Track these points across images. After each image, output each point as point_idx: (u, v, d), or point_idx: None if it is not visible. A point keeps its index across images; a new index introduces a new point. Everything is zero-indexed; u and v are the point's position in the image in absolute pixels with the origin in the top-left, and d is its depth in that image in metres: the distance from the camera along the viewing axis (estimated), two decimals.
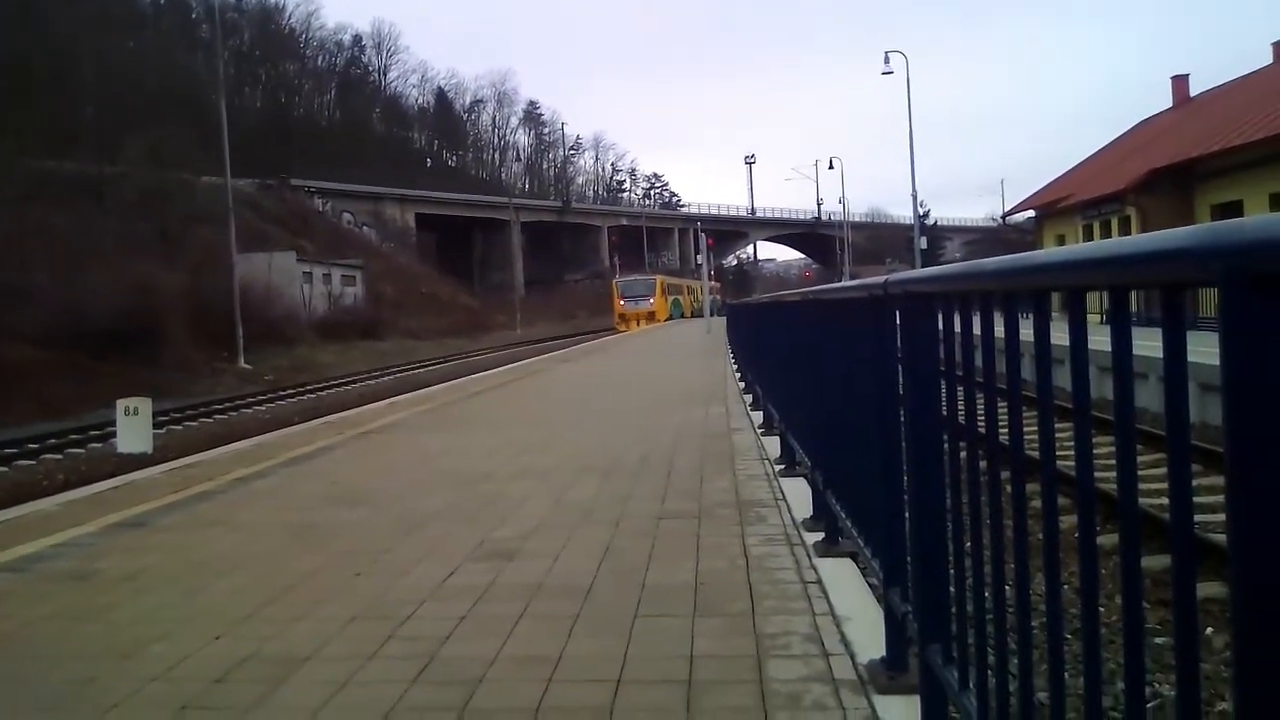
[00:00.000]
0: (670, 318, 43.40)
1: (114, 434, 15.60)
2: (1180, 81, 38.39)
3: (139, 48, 53.83)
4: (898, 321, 2.72)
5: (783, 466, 6.29)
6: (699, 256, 47.38)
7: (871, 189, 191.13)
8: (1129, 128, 41.36)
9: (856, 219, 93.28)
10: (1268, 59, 33.61)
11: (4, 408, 21.31)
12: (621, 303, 48.21)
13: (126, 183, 35.31)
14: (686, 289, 54.34)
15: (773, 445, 7.14)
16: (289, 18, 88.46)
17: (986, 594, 1.99)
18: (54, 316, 25.86)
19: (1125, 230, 30.15)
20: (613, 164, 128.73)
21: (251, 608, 3.77)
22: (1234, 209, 25.86)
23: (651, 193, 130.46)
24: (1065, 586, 1.93)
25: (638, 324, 41.67)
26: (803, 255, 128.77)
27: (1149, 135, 36.23)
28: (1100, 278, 1.38)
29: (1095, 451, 1.54)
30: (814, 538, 4.39)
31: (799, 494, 5.34)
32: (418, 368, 35.57)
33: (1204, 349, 1.40)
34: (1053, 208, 36.79)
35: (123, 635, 3.51)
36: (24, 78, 28.71)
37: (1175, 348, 1.21)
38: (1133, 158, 32.80)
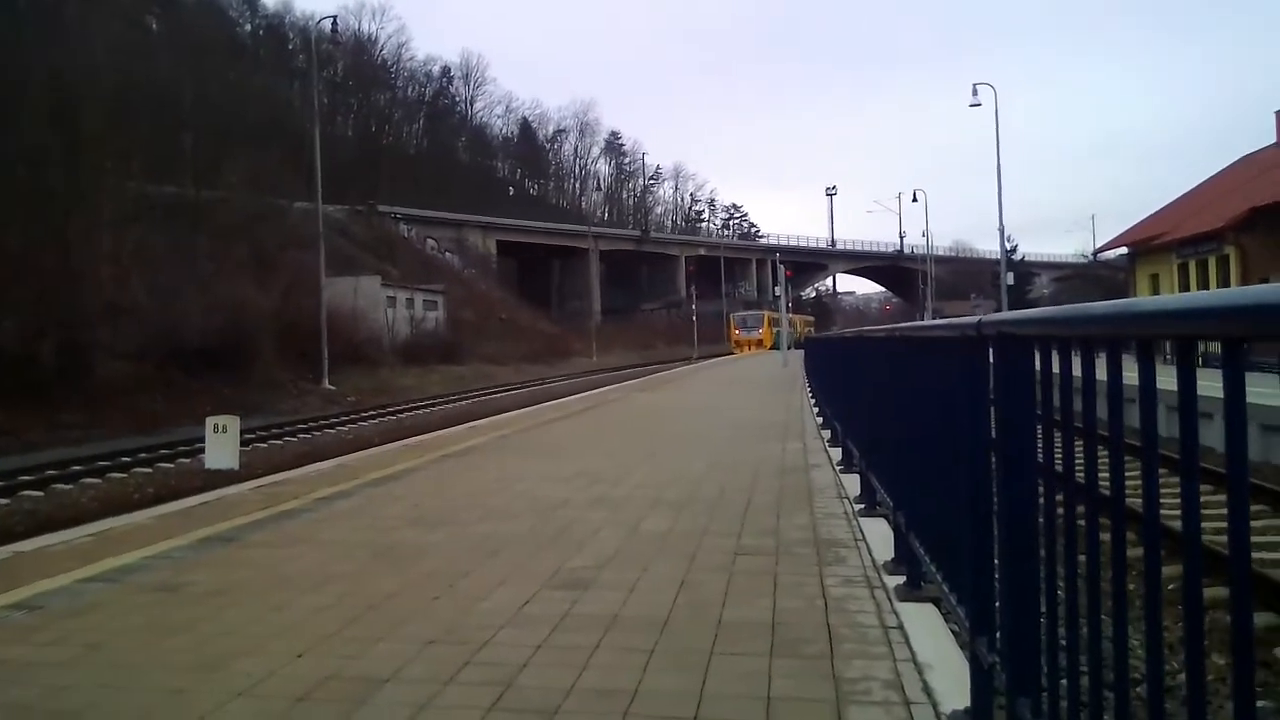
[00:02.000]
0: (774, 346, 46.23)
1: (203, 450, 16.05)
2: None
3: (238, 76, 55.86)
4: (991, 362, 2.67)
5: (862, 506, 6.19)
6: (777, 288, 47.41)
7: (956, 222, 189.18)
8: (1229, 163, 40.12)
9: (940, 253, 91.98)
10: None
11: (99, 420, 22.16)
12: (736, 332, 56.54)
13: (223, 207, 36.57)
14: (794, 322, 60.61)
15: (852, 483, 7.04)
16: (381, 49, 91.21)
17: (1082, 647, 1.93)
18: (149, 334, 26.83)
19: (1224, 270, 29.21)
20: (691, 194, 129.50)
21: (334, 626, 3.83)
22: None
23: (730, 223, 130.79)
24: (1165, 642, 1.86)
25: (749, 349, 45.59)
26: (883, 288, 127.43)
27: (1251, 172, 35.07)
28: (1216, 329, 1.34)
29: (1203, 502, 1.48)
30: (895, 581, 4.30)
31: (879, 535, 5.25)
32: (496, 393, 36.00)
33: None
34: (1147, 245, 35.84)
35: (210, 649, 3.60)
36: (128, 104, 29.99)
37: None
38: (1233, 195, 31.78)
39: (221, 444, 15.30)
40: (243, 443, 16.55)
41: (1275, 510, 8.45)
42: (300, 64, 68.57)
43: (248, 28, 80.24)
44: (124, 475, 16.01)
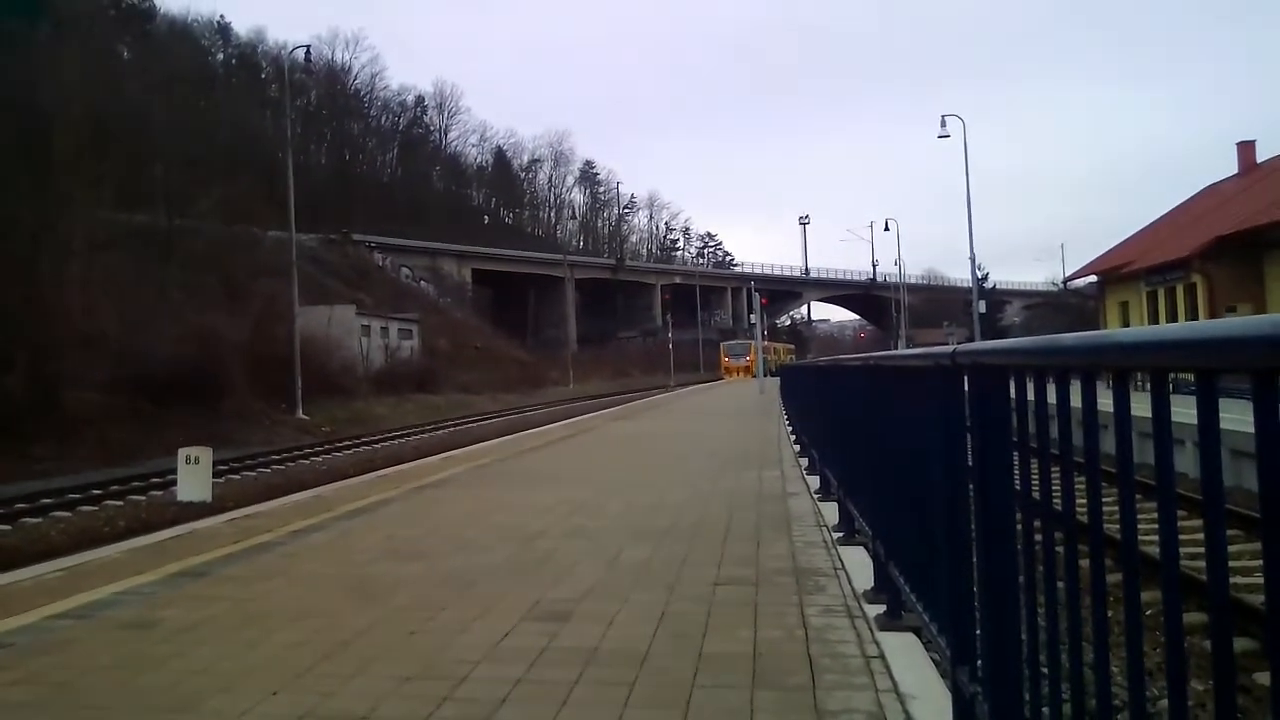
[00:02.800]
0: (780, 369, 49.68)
1: (174, 482, 15.86)
2: (1246, 147, 37.87)
3: (210, 105, 55.77)
4: (966, 392, 2.69)
5: (841, 534, 6.20)
6: (752, 316, 47.81)
7: (928, 251, 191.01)
8: (1193, 193, 40.82)
9: (913, 281, 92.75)
10: None
11: (69, 453, 21.84)
12: (727, 359, 63.61)
13: (195, 236, 36.36)
14: (772, 349, 67.16)
15: (830, 511, 7.05)
16: (355, 78, 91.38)
17: (1063, 677, 1.94)
18: (120, 365, 26.53)
19: (1191, 298, 29.63)
20: (666, 223, 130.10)
21: (309, 663, 3.78)
22: None
23: (705, 252, 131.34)
24: (1146, 670, 1.87)
25: (738, 374, 50.11)
26: (857, 316, 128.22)
27: (1215, 201, 35.70)
28: (1187, 359, 1.36)
29: (1180, 528, 1.50)
30: (875, 610, 4.30)
31: (859, 563, 5.25)
32: (471, 422, 35.83)
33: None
34: (1115, 273, 36.32)
35: (183, 687, 3.54)
36: (98, 132, 29.82)
37: (1267, 435, 1.18)
38: (1198, 224, 32.32)
39: (193, 476, 15.12)
40: (215, 474, 16.36)
41: (1248, 535, 8.52)
42: (273, 93, 68.54)
43: (220, 56, 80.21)
44: (94, 508, 15.78)
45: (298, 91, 68.93)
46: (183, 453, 15.49)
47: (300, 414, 32.91)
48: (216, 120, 51.70)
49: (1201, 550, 1.36)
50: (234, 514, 8.59)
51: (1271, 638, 1.16)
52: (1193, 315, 29.40)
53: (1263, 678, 5.08)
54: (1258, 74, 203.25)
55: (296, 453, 24.45)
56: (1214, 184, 39.75)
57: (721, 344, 75.37)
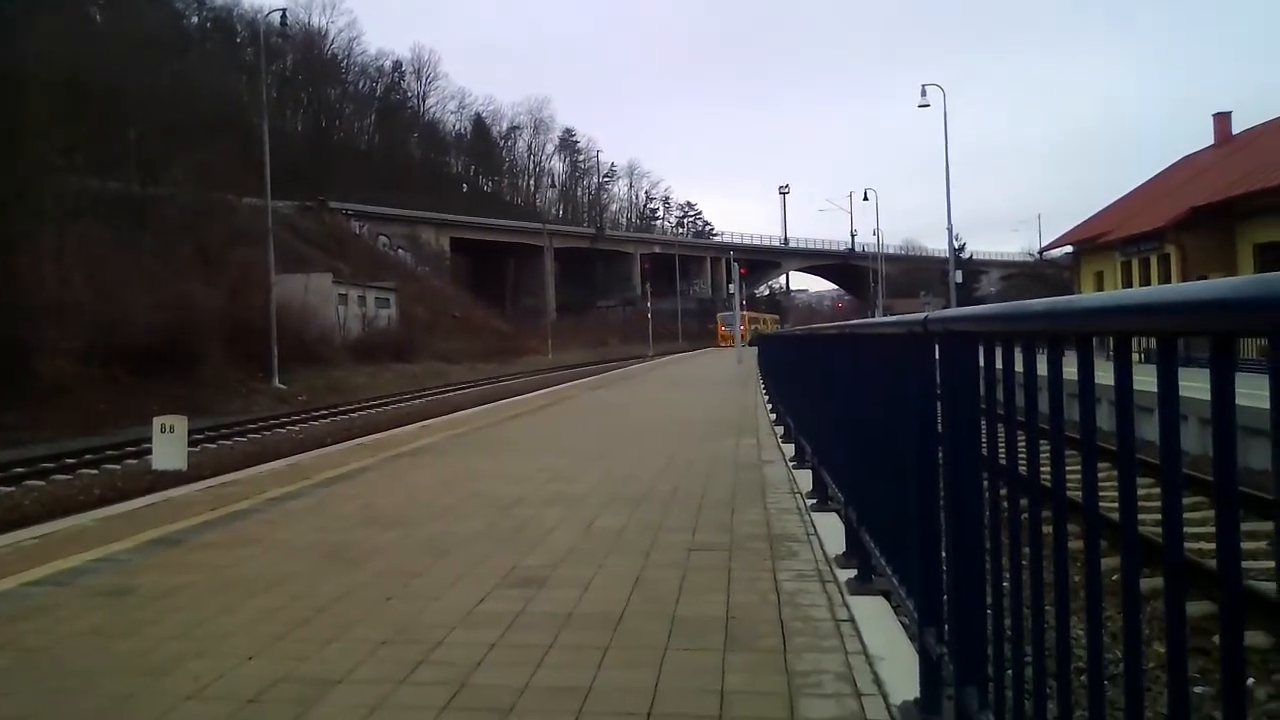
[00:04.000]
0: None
1: (149, 450, 15.77)
2: (1222, 119, 38.06)
3: (184, 69, 54.89)
4: (937, 358, 2.72)
5: (815, 501, 6.26)
6: (731, 285, 47.89)
7: (906, 221, 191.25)
8: (1169, 164, 41.03)
9: (890, 251, 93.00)
10: None
11: (43, 421, 21.65)
12: (723, 328, 67.37)
13: (170, 203, 35.91)
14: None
15: (805, 478, 7.11)
16: (332, 43, 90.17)
17: (1025, 636, 1.98)
18: (94, 333, 26.27)
19: (1165, 268, 29.86)
20: (646, 192, 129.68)
21: (285, 628, 3.80)
22: (1277, 249, 25.55)
23: (685, 221, 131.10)
24: (1105, 631, 1.91)
25: (731, 342, 53.87)
26: (836, 286, 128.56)
27: (1190, 172, 35.90)
28: (1148, 324, 1.38)
29: (1139, 494, 1.53)
30: (846, 574, 4.36)
31: (831, 529, 5.31)
32: (449, 391, 35.75)
33: (1248, 390, 1.40)
34: (1091, 244, 36.53)
35: (159, 652, 3.55)
36: (70, 97, 29.28)
37: (1223, 396, 1.20)
38: (1173, 195, 32.51)
39: (169, 444, 15.04)
40: (191, 443, 16.27)
41: (1210, 501, 8.66)
42: (249, 57, 67.40)
43: (195, 20, 78.87)
44: (69, 477, 15.67)
45: (274, 56, 67.96)
46: (158, 421, 15.39)
47: (277, 383, 32.74)
48: (191, 85, 50.87)
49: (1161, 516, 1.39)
50: (210, 482, 8.57)
51: (1225, 598, 1.20)
52: (1165, 284, 29.64)
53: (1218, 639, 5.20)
54: (1234, 46, 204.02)
55: (273, 421, 24.34)
56: (1189, 155, 39.96)
57: (718, 315, 78.54)
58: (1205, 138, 39.10)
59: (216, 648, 3.58)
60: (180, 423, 15.41)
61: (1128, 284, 33.05)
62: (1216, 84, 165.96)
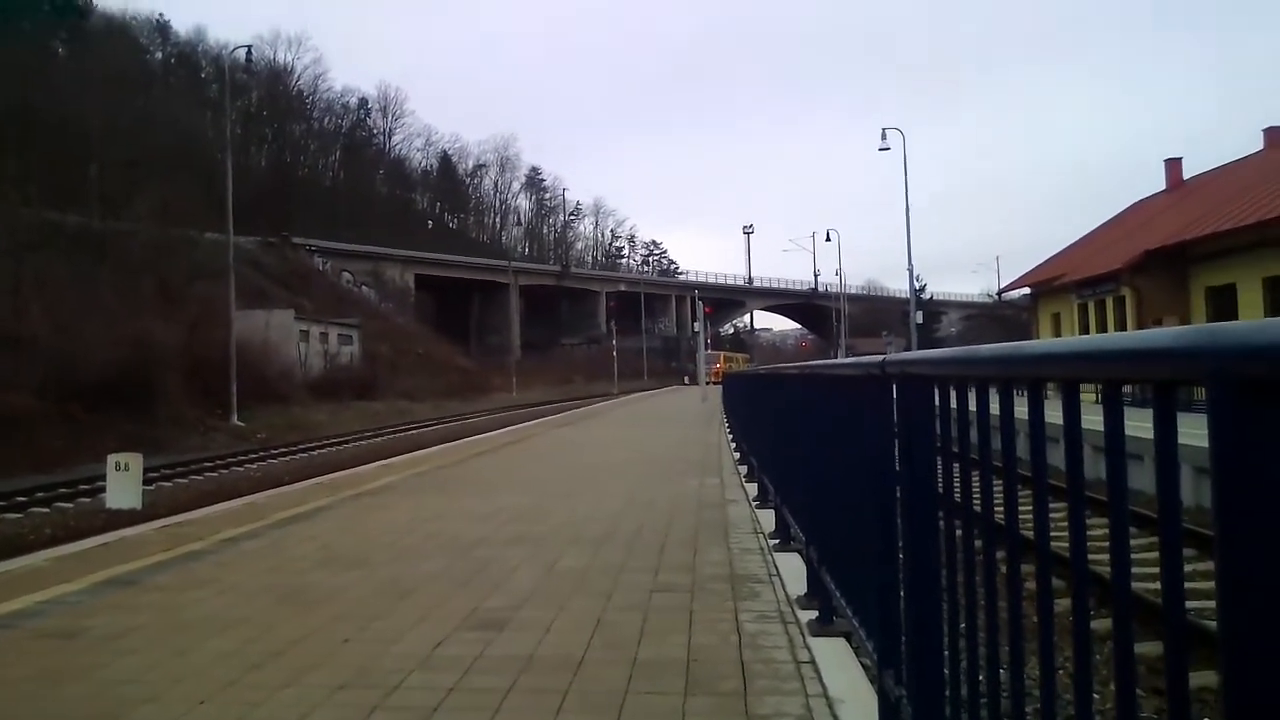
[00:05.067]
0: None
1: (104, 489, 15.47)
2: (1174, 164, 39.02)
3: (147, 104, 54.59)
4: (895, 400, 2.75)
5: (777, 540, 6.26)
6: (696, 324, 48.18)
7: (868, 261, 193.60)
8: (1123, 209, 41.93)
9: (853, 291, 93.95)
10: (1259, 144, 34.25)
11: None
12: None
13: (131, 237, 35.54)
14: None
15: (768, 518, 7.12)
16: (297, 79, 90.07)
17: (981, 679, 1.99)
18: (48, 368, 25.83)
19: (1120, 310, 30.40)
20: (612, 230, 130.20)
21: (239, 672, 3.73)
22: (1228, 292, 26.12)
23: (650, 260, 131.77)
24: (1060, 671, 1.93)
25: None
26: (799, 325, 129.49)
27: (1143, 216, 36.71)
28: (1094, 371, 1.41)
29: (1090, 534, 1.56)
30: (808, 615, 4.36)
31: (793, 570, 5.32)
32: (412, 429, 35.46)
33: (1198, 431, 1.43)
34: (1048, 285, 37.13)
35: (108, 697, 3.47)
36: (28, 129, 28.97)
37: (1166, 443, 1.23)
38: (1128, 239, 33.20)
39: (123, 483, 14.76)
40: (146, 481, 16.00)
41: (1154, 536, 8.76)
42: (213, 93, 67.30)
43: (159, 55, 78.65)
44: (19, 515, 15.33)
45: (238, 92, 67.76)
46: (112, 459, 15.12)
47: (236, 420, 32.32)
48: (154, 120, 50.59)
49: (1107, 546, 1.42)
50: (165, 521, 8.41)
51: (1170, 636, 1.22)
52: (1122, 327, 30.17)
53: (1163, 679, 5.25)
54: (1186, 94, 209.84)
55: (231, 460, 23.98)
56: (1143, 199, 40.89)
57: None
58: (1158, 183, 40.08)
59: (168, 692, 3.51)
60: (135, 460, 15.14)
61: (1084, 325, 33.60)
62: (1169, 130, 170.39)
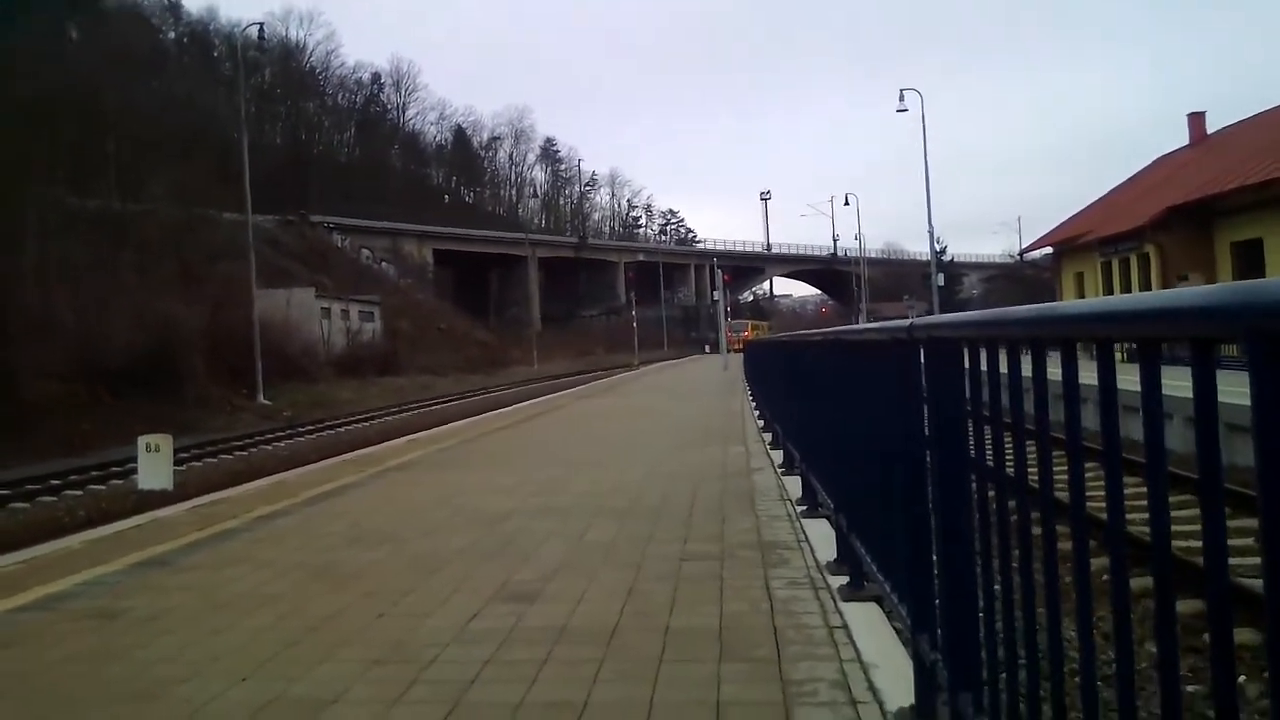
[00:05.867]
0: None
1: (135, 470, 15.66)
2: (1197, 118, 38.40)
3: (162, 84, 54.69)
4: (923, 364, 2.73)
5: (805, 507, 6.27)
6: (715, 292, 48.10)
7: (887, 225, 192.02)
8: (1146, 165, 41.36)
9: (873, 255, 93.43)
10: None
11: (26, 443, 21.48)
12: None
13: (149, 219, 35.71)
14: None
15: (794, 485, 7.12)
16: (309, 56, 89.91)
17: (1018, 640, 1.99)
18: (76, 353, 26.09)
19: (1144, 267, 30.06)
20: (629, 200, 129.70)
21: (276, 649, 3.78)
22: (1254, 247, 25.76)
23: (667, 229, 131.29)
24: (1097, 631, 1.92)
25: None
26: (819, 291, 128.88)
27: (1166, 172, 36.20)
28: (1129, 331, 1.40)
29: (1125, 494, 1.54)
30: (838, 581, 4.36)
31: (822, 536, 5.32)
32: (435, 404, 35.66)
33: (1233, 389, 1.42)
34: (1071, 244, 36.76)
35: (148, 676, 3.52)
36: (47, 113, 29.05)
37: (1205, 400, 1.21)
38: (1151, 195, 32.76)
39: (154, 464, 14.94)
40: (176, 462, 16.18)
41: (1195, 498, 8.72)
42: (226, 71, 67.27)
43: (171, 35, 78.63)
44: (54, 499, 15.55)
45: (252, 70, 67.79)
46: (142, 440, 15.29)
47: (261, 399, 32.58)
48: (169, 101, 50.69)
49: (1148, 515, 1.40)
50: (196, 501, 8.51)
51: (1212, 595, 1.21)
52: (1146, 285, 29.87)
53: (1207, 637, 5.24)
54: (1209, 47, 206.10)
55: (258, 438, 24.22)
56: (1166, 155, 40.31)
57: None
58: (1181, 138, 39.49)
59: (207, 670, 3.56)
60: (165, 442, 15.31)
61: (1108, 284, 33.29)
62: (1192, 84, 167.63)
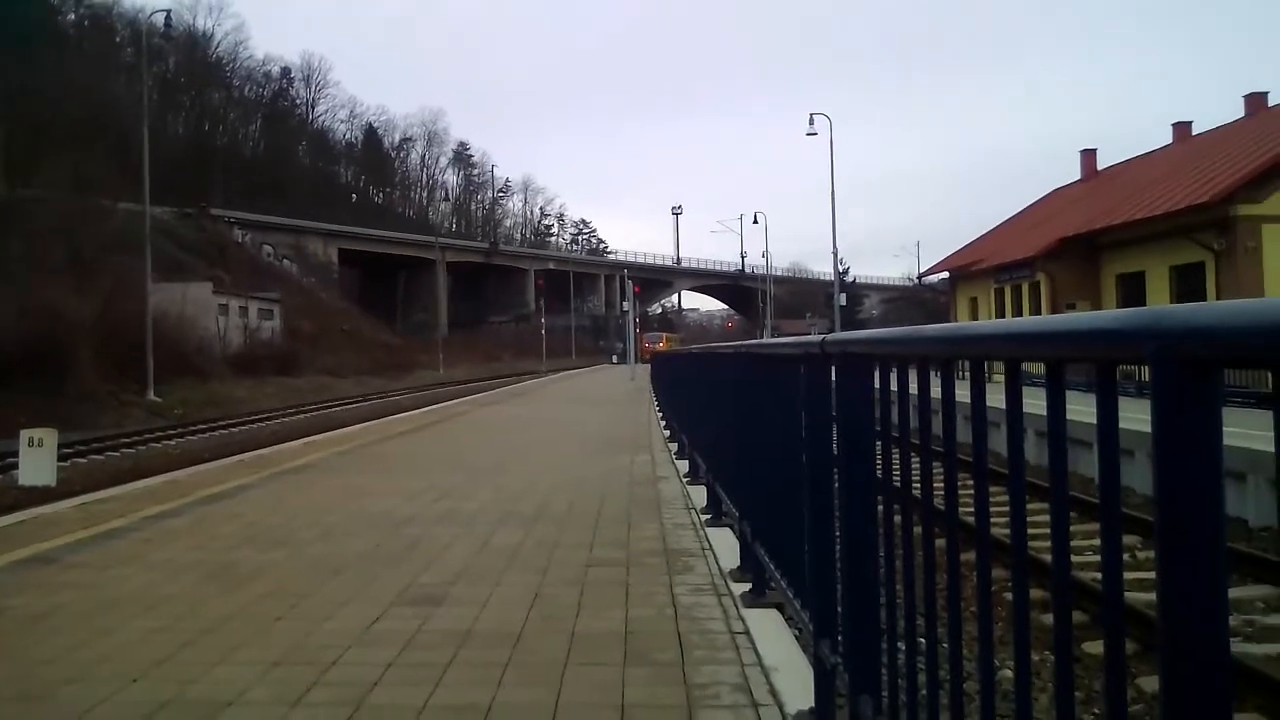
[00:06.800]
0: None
1: (15, 465, 14.97)
2: (1089, 155, 40.16)
3: (59, 68, 52.47)
4: (833, 380, 2.81)
5: (709, 516, 6.35)
6: (625, 303, 48.28)
7: (794, 244, 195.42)
8: (1040, 196, 43.02)
9: (779, 273, 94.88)
10: (1168, 138, 35.41)
11: None
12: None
13: (39, 207, 34.20)
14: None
15: (699, 494, 7.20)
16: (217, 46, 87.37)
17: (919, 645, 2.06)
18: None
19: (1035, 295, 31.23)
20: (541, 208, 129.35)
21: (169, 650, 3.67)
22: (1137, 279, 27.04)
23: (579, 238, 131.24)
24: (995, 640, 2.00)
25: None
26: (726, 306, 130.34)
27: (1059, 205, 37.73)
28: (1039, 351, 1.47)
29: (1030, 516, 1.62)
30: (741, 588, 4.44)
31: (726, 544, 5.40)
32: (335, 406, 34.90)
33: (1142, 416, 1.50)
34: (966, 270, 37.97)
35: (33, 677, 3.39)
36: None
37: (1108, 419, 1.29)
38: (1043, 226, 34.11)
39: (37, 459, 14.29)
40: (59, 458, 15.50)
41: (1083, 517, 9.08)
42: (129, 58, 64.93)
43: (71, 17, 75.55)
44: None
45: (155, 57, 65.52)
46: (25, 434, 14.62)
47: (152, 395, 31.42)
48: (66, 85, 48.62)
49: (1047, 532, 1.48)
50: (82, 499, 8.19)
51: (1107, 615, 1.28)
52: (1036, 311, 31.01)
53: (1091, 648, 5.47)
54: (1101, 85, 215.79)
55: (148, 436, 23.35)
56: (1059, 188, 42.01)
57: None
58: (1074, 172, 41.20)
59: (97, 671, 3.44)
60: (50, 436, 14.68)
61: (1000, 309, 34.47)
62: (1085, 122, 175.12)
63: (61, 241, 34.42)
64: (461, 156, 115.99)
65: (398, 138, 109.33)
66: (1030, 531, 1.66)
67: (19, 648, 3.74)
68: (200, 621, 4.07)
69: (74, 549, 5.68)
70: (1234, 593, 7.30)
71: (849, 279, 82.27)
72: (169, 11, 41.29)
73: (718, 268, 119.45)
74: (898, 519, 2.26)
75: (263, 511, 7.16)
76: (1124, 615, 1.31)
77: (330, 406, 34.75)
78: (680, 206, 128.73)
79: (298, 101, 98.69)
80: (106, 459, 19.18)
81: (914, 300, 74.70)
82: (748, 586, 4.40)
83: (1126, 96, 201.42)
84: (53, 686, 3.28)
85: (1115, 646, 1.26)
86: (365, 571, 5.03)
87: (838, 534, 2.74)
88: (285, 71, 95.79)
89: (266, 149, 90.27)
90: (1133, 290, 27.02)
